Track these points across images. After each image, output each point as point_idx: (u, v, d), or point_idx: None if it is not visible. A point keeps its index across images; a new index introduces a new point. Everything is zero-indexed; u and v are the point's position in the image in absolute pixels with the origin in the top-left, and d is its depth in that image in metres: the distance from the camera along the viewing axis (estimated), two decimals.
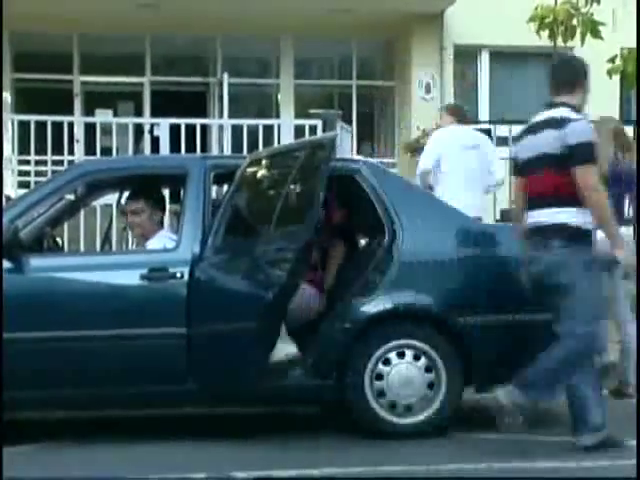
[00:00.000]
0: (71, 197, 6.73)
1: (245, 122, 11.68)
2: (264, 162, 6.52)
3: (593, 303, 5.65)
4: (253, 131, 11.41)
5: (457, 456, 5.65)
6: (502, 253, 6.36)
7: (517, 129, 11.58)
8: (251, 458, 5.68)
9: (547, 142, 5.71)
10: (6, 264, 5.93)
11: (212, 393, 6.07)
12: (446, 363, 6.12)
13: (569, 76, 5.97)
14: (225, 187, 6.95)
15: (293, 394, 6.21)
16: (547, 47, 11.28)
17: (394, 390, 6.09)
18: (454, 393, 6.14)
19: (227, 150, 12.01)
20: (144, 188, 6.77)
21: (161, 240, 6.58)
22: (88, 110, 16.48)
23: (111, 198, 9.06)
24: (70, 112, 15.74)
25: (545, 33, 9.50)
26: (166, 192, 9.28)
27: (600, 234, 5.75)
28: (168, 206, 9.53)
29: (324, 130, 11.10)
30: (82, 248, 10.21)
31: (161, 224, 6.85)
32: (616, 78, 10.46)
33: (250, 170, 6.42)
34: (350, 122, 16.34)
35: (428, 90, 15.93)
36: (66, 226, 9.41)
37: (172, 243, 6.46)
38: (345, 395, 6.09)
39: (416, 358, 6.12)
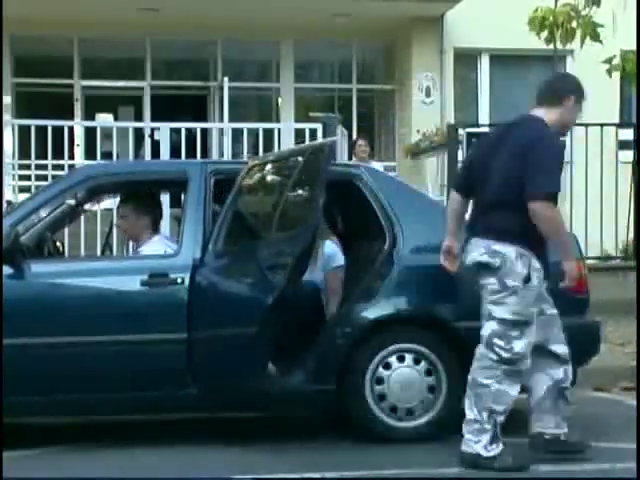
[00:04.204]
0: (72, 202, 6.73)
1: (245, 126, 11.67)
2: (264, 167, 6.52)
3: None
4: (253, 135, 11.41)
5: (458, 460, 5.64)
6: None
7: None
8: (251, 462, 5.68)
9: None
10: (7, 269, 5.93)
11: (213, 398, 6.07)
12: (446, 367, 6.12)
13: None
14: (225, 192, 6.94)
15: (294, 399, 6.21)
16: (547, 50, 11.29)
17: (394, 394, 6.09)
18: (454, 397, 6.13)
19: (227, 154, 12.01)
20: (133, 193, 6.80)
21: (155, 245, 6.58)
22: (88, 114, 16.50)
23: (112, 203, 9.08)
24: (70, 116, 15.76)
25: (544, 35, 9.50)
26: (167, 197, 9.33)
27: None
28: (169, 211, 9.57)
29: (324, 134, 11.09)
30: (83, 253, 10.20)
31: (155, 229, 6.84)
32: (616, 79, 10.47)
33: (250, 175, 6.43)
34: (350, 126, 16.34)
35: (428, 94, 15.94)
36: (66, 231, 9.40)
37: (167, 248, 6.47)
38: (346, 399, 6.09)
39: (416, 362, 6.13)
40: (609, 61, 9.51)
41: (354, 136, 16.23)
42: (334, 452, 5.92)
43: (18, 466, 5.48)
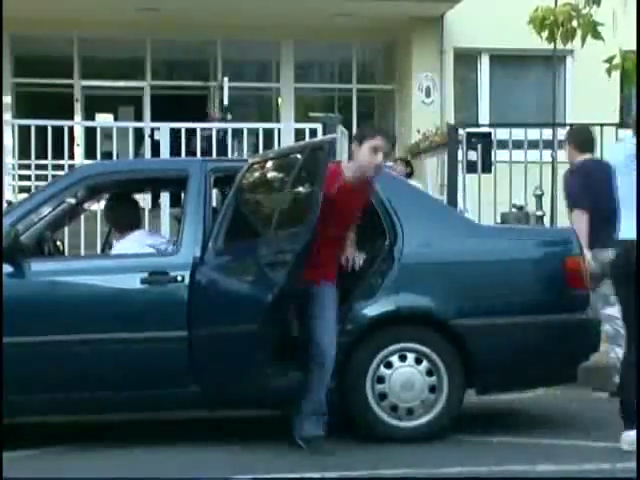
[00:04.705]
0: (72, 201, 6.74)
1: (245, 126, 11.67)
2: (264, 165, 6.52)
3: None
4: (254, 135, 11.41)
5: (458, 460, 5.64)
6: (503, 255, 6.36)
7: (517, 132, 11.68)
8: (252, 461, 5.67)
9: None
10: (7, 268, 5.93)
11: (214, 396, 6.07)
12: (448, 366, 6.12)
13: None
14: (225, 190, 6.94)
15: (294, 396, 6.20)
16: (547, 50, 11.29)
17: (395, 393, 6.09)
18: (455, 397, 6.14)
19: (227, 154, 12.00)
20: (112, 194, 6.82)
21: (129, 242, 6.57)
22: (88, 114, 16.50)
23: None
24: (70, 116, 15.76)
25: (545, 35, 9.49)
26: (166, 197, 9.33)
27: None
28: (169, 210, 9.57)
29: (324, 134, 11.09)
30: (83, 252, 10.20)
31: (135, 225, 6.82)
32: (616, 79, 10.46)
33: (250, 173, 6.43)
34: (350, 126, 16.34)
35: (428, 94, 15.94)
36: (66, 230, 9.40)
37: (144, 247, 6.45)
38: (346, 398, 6.08)
39: (418, 361, 6.12)
40: (610, 60, 9.50)
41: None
42: (334, 452, 5.91)
43: (18, 466, 5.47)
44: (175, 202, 9.18)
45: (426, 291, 6.18)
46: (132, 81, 16.93)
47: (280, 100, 17.10)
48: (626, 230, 5.72)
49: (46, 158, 10.90)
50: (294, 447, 5.91)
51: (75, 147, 13.33)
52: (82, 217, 9.63)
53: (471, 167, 11.53)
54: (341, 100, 17.45)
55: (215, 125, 14.96)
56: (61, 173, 9.62)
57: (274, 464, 5.59)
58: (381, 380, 6.08)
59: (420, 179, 13.75)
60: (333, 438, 6.20)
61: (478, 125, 14.45)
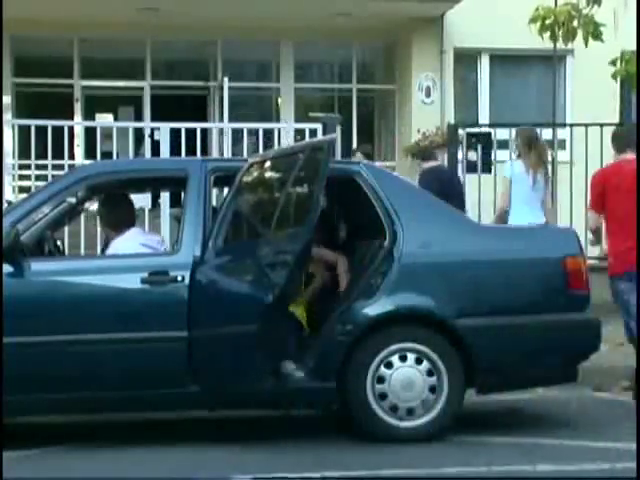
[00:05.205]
0: (72, 200, 6.74)
1: (245, 126, 11.66)
2: (264, 165, 6.53)
3: None
4: (253, 135, 11.42)
5: (458, 459, 5.64)
6: (503, 254, 6.36)
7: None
8: (252, 461, 5.68)
9: None
10: (7, 268, 5.94)
11: (214, 396, 6.07)
12: (448, 366, 6.12)
13: None
14: (225, 190, 6.94)
15: (294, 396, 6.21)
16: (547, 50, 11.31)
17: (396, 393, 6.09)
18: (456, 397, 6.14)
19: (227, 154, 12.00)
20: (104, 194, 6.82)
21: (125, 240, 6.56)
22: (88, 114, 16.49)
23: None
24: (70, 116, 15.74)
25: (546, 34, 9.49)
26: (166, 196, 9.31)
27: None
28: (169, 211, 9.56)
29: (324, 134, 11.09)
30: (83, 252, 10.20)
31: (129, 223, 6.80)
32: (617, 79, 10.46)
33: (250, 173, 6.43)
34: (350, 125, 16.34)
35: (428, 94, 15.92)
36: (66, 230, 9.40)
37: (138, 246, 6.45)
38: (346, 398, 6.09)
39: (418, 361, 6.12)
40: (614, 63, 9.50)
41: (354, 135, 16.24)
42: (334, 451, 5.91)
43: (18, 466, 5.47)
44: (175, 202, 9.17)
45: (426, 291, 6.18)
46: (132, 81, 16.90)
47: (280, 100, 17.09)
48: None
49: (46, 158, 10.89)
50: (297, 447, 5.92)
51: (75, 147, 13.34)
52: (82, 217, 9.63)
53: (471, 167, 11.53)
54: (341, 100, 17.42)
55: (215, 125, 14.99)
56: (61, 173, 9.63)
57: (274, 464, 5.60)
58: (381, 380, 6.08)
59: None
60: (333, 438, 6.22)
61: (478, 125, 14.43)
